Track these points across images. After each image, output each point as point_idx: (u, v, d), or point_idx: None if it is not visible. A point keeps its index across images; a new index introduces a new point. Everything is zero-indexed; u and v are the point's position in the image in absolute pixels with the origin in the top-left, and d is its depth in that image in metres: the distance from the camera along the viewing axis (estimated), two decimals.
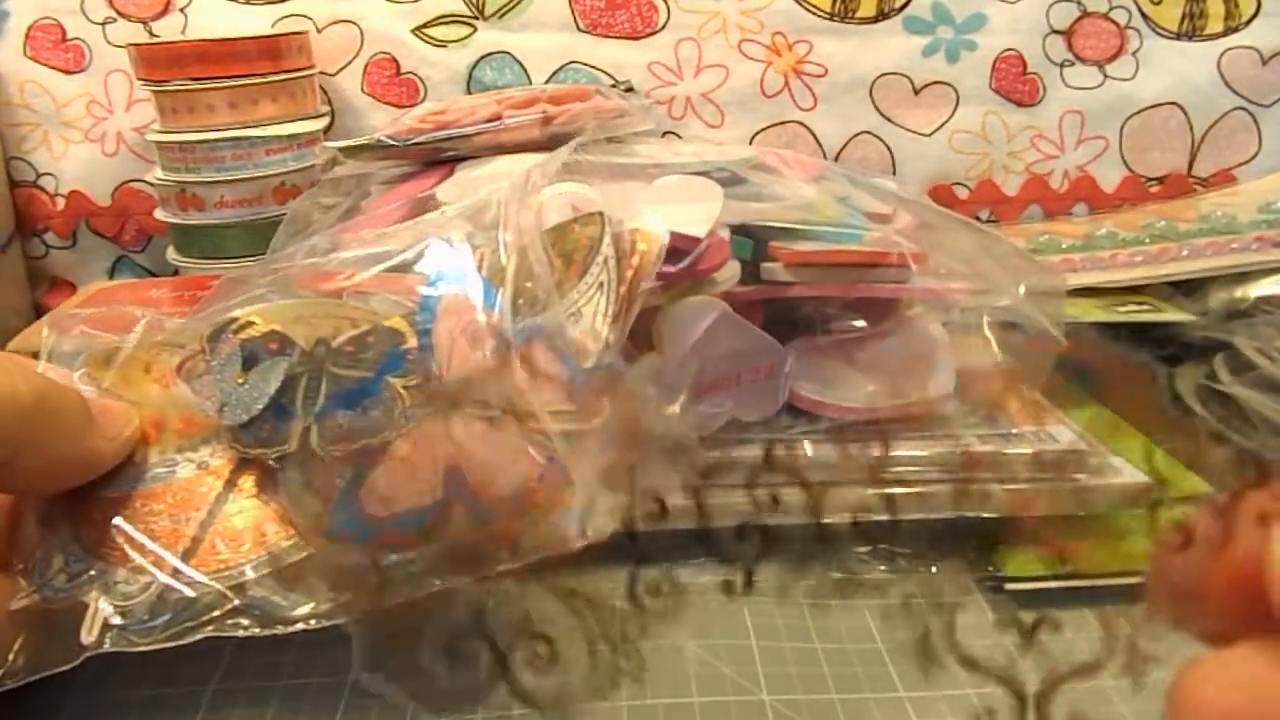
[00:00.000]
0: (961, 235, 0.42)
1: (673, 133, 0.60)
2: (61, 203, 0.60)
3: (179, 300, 0.49)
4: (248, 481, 0.27)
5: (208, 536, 0.26)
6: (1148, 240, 0.52)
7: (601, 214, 0.33)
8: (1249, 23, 0.60)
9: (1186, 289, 0.48)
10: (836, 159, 0.61)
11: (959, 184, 0.62)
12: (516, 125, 0.45)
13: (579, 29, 0.59)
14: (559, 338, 0.26)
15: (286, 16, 0.59)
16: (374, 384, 0.26)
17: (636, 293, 0.29)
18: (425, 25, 0.59)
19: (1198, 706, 0.14)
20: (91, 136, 0.59)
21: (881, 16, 0.60)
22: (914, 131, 0.61)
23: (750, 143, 0.60)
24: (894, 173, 0.61)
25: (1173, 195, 0.61)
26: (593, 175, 0.42)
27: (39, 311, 0.60)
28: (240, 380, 0.27)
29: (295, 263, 0.36)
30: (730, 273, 0.37)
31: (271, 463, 0.27)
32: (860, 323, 0.40)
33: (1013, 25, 0.60)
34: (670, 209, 0.36)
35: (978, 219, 0.60)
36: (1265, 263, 0.47)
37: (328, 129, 0.57)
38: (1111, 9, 0.60)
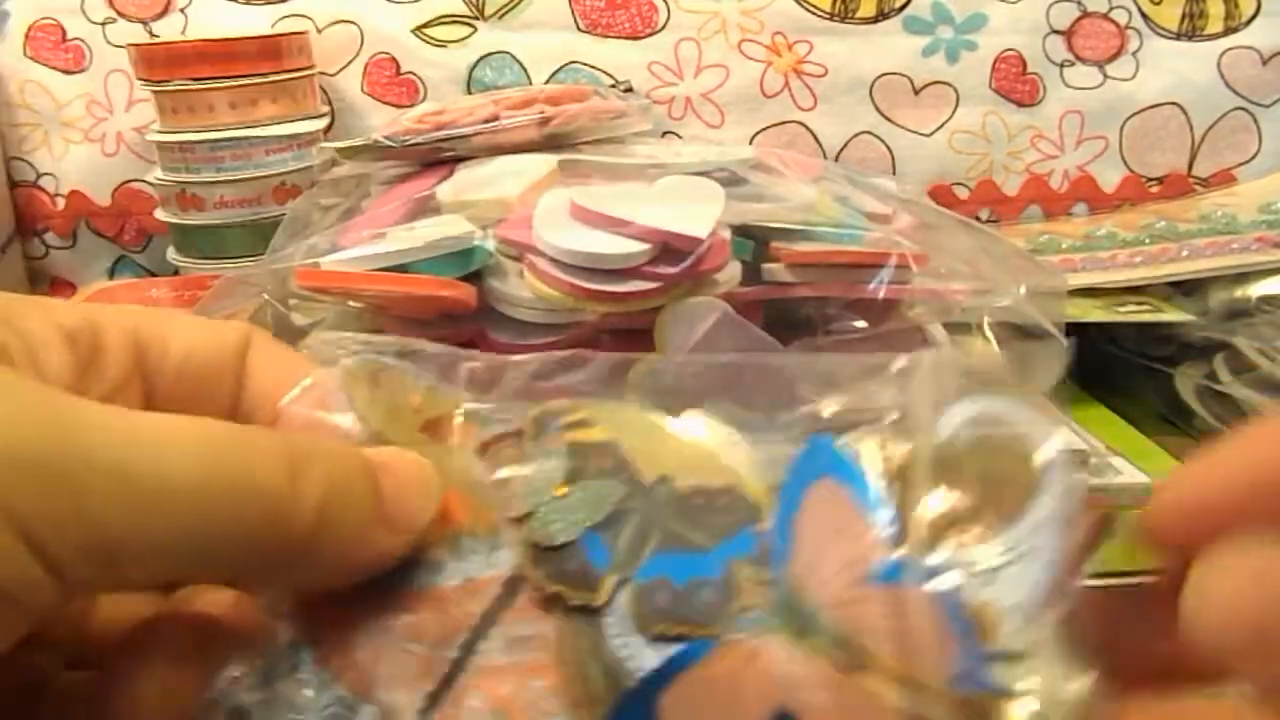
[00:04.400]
0: (961, 235, 0.42)
1: (673, 133, 0.60)
2: (62, 203, 0.60)
3: (179, 300, 0.49)
4: (519, 622, 0.19)
5: (460, 682, 0.19)
6: (1148, 240, 0.51)
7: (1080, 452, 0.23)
8: (1249, 23, 0.60)
9: (1186, 289, 0.48)
10: (836, 159, 0.61)
11: (959, 184, 0.62)
12: (514, 126, 0.45)
13: (579, 29, 0.59)
14: (952, 599, 0.17)
15: (287, 16, 0.59)
16: (712, 561, 0.19)
17: (1076, 573, 0.19)
18: (425, 25, 0.59)
19: (1227, 600, 0.13)
20: (91, 137, 0.59)
21: (881, 16, 0.60)
22: (914, 131, 0.61)
23: (750, 143, 0.60)
24: (894, 173, 0.61)
25: (1173, 195, 0.61)
26: (593, 175, 0.42)
27: None
28: (560, 492, 0.21)
29: (293, 263, 0.36)
30: (731, 273, 0.37)
31: (570, 607, 0.19)
32: (860, 323, 0.40)
33: (1013, 25, 0.60)
34: (671, 209, 0.36)
35: (978, 219, 0.60)
36: (1265, 263, 0.47)
37: (328, 129, 0.57)
38: (1111, 9, 0.60)
